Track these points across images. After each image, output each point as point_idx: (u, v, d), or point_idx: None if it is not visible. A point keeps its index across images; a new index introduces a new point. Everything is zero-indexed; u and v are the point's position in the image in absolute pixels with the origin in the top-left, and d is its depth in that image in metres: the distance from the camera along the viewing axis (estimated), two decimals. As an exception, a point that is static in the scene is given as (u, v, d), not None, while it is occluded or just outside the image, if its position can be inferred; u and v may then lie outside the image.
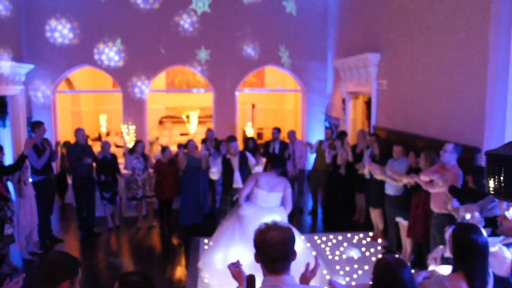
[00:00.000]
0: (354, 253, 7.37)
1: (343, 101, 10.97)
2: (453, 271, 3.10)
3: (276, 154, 6.22)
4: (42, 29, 11.29)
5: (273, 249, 2.42)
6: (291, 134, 9.98)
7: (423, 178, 5.77)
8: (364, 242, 8.03)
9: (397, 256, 2.79)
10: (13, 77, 10.28)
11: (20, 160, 6.83)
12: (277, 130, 9.87)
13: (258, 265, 2.54)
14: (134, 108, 11.94)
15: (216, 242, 6.11)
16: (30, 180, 7.54)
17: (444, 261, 4.06)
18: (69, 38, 11.40)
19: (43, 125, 7.93)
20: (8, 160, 9.00)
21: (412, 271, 5.62)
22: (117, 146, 14.08)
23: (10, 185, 6.98)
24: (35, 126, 7.90)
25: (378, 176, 7.39)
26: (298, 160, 9.77)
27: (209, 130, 10.43)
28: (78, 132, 8.40)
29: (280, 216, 5.65)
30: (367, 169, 7.87)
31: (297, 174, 9.75)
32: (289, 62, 12.36)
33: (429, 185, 5.70)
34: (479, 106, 5.98)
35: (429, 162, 6.02)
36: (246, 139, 10.11)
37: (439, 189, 5.56)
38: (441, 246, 4.02)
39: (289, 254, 2.46)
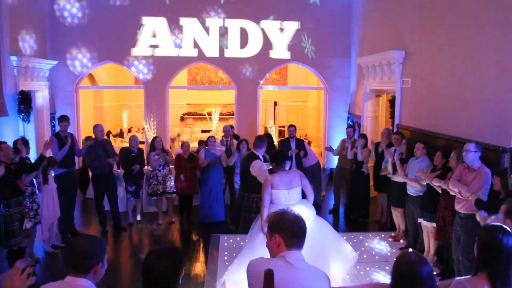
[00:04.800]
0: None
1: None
2: (476, 273, 2.99)
3: (277, 152, 5.96)
4: (66, 25, 11.45)
5: (297, 224, 2.80)
6: (291, 129, 9.86)
7: (453, 188, 5.61)
8: (385, 242, 7.91)
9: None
10: (38, 73, 10.41)
11: (39, 160, 6.88)
12: (294, 128, 9.81)
13: None
14: (156, 104, 11.98)
15: (241, 259, 5.54)
16: (53, 174, 7.63)
17: None
18: (93, 34, 11.55)
19: (67, 120, 8.13)
20: (32, 155, 9.11)
21: (434, 273, 5.49)
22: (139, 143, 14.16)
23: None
24: (59, 120, 8.20)
25: (399, 178, 7.30)
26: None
27: (226, 125, 10.39)
28: (97, 128, 8.46)
29: (308, 209, 5.53)
30: (389, 166, 7.77)
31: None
32: (312, 50, 12.25)
33: (463, 194, 5.53)
34: (507, 104, 5.81)
35: (461, 161, 5.83)
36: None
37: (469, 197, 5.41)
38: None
39: (306, 229, 2.84)
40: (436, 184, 6.22)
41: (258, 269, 2.75)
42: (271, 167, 6.45)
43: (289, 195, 5.55)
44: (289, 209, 2.95)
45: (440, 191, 6.23)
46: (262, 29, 12.02)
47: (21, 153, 6.83)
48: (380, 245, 7.78)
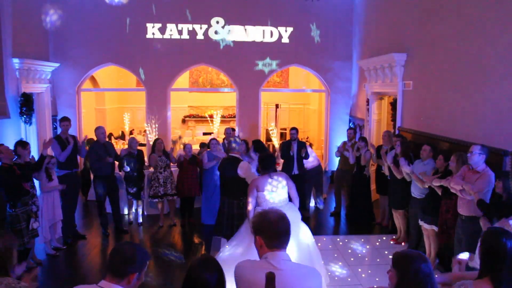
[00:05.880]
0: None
1: (367, 101, 10.80)
2: (480, 276, 2.99)
3: (264, 155, 5.94)
4: (68, 28, 11.47)
5: (279, 225, 2.74)
6: (293, 132, 9.68)
7: (455, 186, 5.61)
8: (387, 245, 7.90)
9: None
10: (40, 75, 10.43)
11: (40, 160, 6.94)
12: (295, 131, 9.66)
13: None
14: (157, 107, 11.99)
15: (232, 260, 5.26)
16: (56, 174, 7.63)
17: (469, 269, 3.91)
18: (94, 37, 11.57)
19: (68, 121, 8.19)
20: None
21: (436, 276, 5.48)
22: (140, 145, 14.17)
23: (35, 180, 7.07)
24: (60, 120, 8.23)
25: (400, 175, 7.30)
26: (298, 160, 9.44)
27: (227, 128, 10.37)
28: (98, 130, 8.47)
29: (293, 212, 5.50)
30: (387, 168, 7.76)
31: (300, 173, 9.39)
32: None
33: (464, 193, 5.51)
34: (509, 107, 5.81)
35: (461, 164, 5.83)
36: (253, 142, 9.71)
37: (472, 197, 5.39)
38: (468, 253, 3.88)
39: (289, 230, 2.79)
40: (437, 184, 6.19)
41: (244, 273, 2.76)
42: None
43: (276, 197, 5.55)
44: (275, 208, 2.91)
45: (440, 193, 6.22)
46: (279, 31, 12.17)
47: (23, 157, 6.81)
48: (381, 247, 7.77)
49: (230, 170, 6.60)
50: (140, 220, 9.13)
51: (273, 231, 2.74)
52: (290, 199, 5.77)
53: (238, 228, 6.23)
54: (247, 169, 6.42)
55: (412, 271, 2.64)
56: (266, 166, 5.63)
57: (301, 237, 5.41)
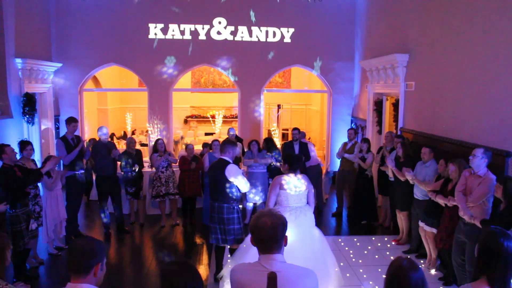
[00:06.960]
0: None
1: (375, 103, 10.74)
2: (476, 277, 2.98)
3: (293, 156, 6.00)
4: (71, 28, 11.49)
5: (263, 232, 2.72)
6: (295, 132, 9.72)
7: (458, 203, 5.57)
8: (388, 246, 7.90)
9: (410, 258, 2.74)
10: (42, 75, 10.44)
11: (38, 175, 6.63)
12: (297, 131, 9.71)
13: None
14: (159, 107, 12.00)
15: (243, 254, 5.36)
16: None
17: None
18: (97, 37, 11.59)
19: (75, 122, 8.10)
20: (36, 157, 9.13)
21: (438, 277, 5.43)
22: (142, 145, 14.19)
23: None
24: (67, 122, 8.10)
25: (403, 178, 7.29)
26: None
27: (230, 128, 10.37)
28: (101, 130, 8.46)
29: (309, 215, 5.61)
30: (390, 172, 7.75)
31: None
32: (319, 65, 12.33)
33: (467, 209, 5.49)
34: (511, 108, 5.80)
35: (462, 170, 5.80)
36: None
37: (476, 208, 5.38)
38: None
39: (278, 237, 2.74)
40: (441, 201, 6.17)
41: (238, 276, 2.78)
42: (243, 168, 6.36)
43: (296, 197, 5.63)
44: (273, 212, 2.83)
45: (444, 205, 6.19)
46: (281, 31, 12.17)
47: (26, 157, 6.82)
48: (383, 248, 7.76)
49: (220, 173, 6.23)
50: (142, 220, 9.14)
51: (258, 236, 2.75)
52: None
53: (228, 232, 6.24)
54: (236, 172, 6.20)
55: (396, 278, 2.61)
56: (293, 166, 5.74)
57: (313, 241, 5.49)
